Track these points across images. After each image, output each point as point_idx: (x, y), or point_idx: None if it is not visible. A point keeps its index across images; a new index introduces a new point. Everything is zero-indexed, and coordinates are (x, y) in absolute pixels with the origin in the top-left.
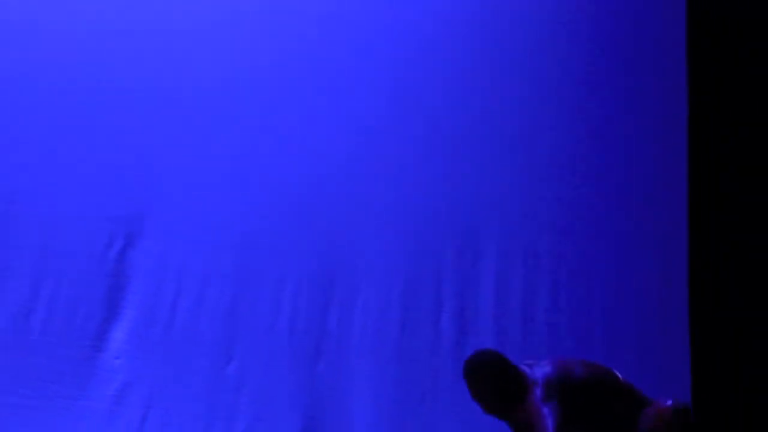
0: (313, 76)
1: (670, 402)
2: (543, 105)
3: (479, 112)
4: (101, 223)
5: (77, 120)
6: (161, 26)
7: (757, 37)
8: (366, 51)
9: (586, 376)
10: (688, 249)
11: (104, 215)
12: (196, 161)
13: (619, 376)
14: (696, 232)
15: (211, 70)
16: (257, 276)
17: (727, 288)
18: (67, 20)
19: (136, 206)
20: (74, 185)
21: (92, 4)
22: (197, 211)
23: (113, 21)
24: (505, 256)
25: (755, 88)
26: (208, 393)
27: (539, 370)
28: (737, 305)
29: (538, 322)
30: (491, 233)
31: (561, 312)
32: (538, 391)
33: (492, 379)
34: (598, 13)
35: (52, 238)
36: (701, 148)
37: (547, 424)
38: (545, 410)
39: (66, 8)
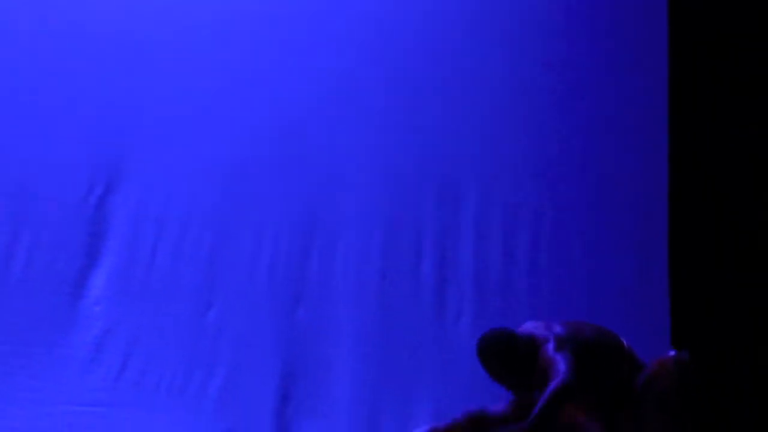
0: (294, 22)
1: (672, 353)
2: (526, 54)
3: (461, 60)
4: (81, 169)
5: (58, 66)
6: None
7: (739, 34)
8: None
9: (594, 336)
10: (668, 203)
11: (84, 161)
12: (177, 108)
13: (624, 341)
14: (676, 184)
15: (190, 18)
16: (237, 222)
17: (706, 244)
18: None
19: (116, 152)
20: (54, 131)
21: None
22: (177, 158)
23: None
24: (485, 206)
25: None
26: (188, 339)
27: (549, 330)
28: (717, 261)
29: (518, 271)
30: (472, 182)
31: (541, 261)
32: (550, 345)
33: (504, 361)
34: None
35: (32, 185)
36: (682, 98)
37: (560, 367)
38: (558, 357)
39: None
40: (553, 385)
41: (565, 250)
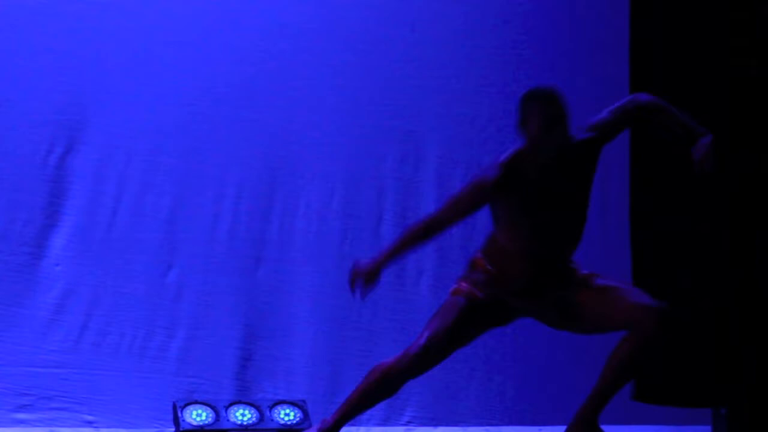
0: None
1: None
2: (489, 9)
3: (423, 15)
4: (42, 128)
5: (17, 26)
6: None
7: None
8: None
9: None
10: (629, 173)
11: (45, 120)
12: (136, 69)
13: None
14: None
15: None
16: (198, 183)
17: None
18: None
19: (76, 112)
20: (14, 92)
21: None
22: (138, 118)
23: None
24: (447, 163)
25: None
26: (148, 300)
27: None
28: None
29: (478, 229)
30: (433, 139)
31: None
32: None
33: None
34: None
35: None
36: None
37: None
38: None
39: None
40: None
41: None
